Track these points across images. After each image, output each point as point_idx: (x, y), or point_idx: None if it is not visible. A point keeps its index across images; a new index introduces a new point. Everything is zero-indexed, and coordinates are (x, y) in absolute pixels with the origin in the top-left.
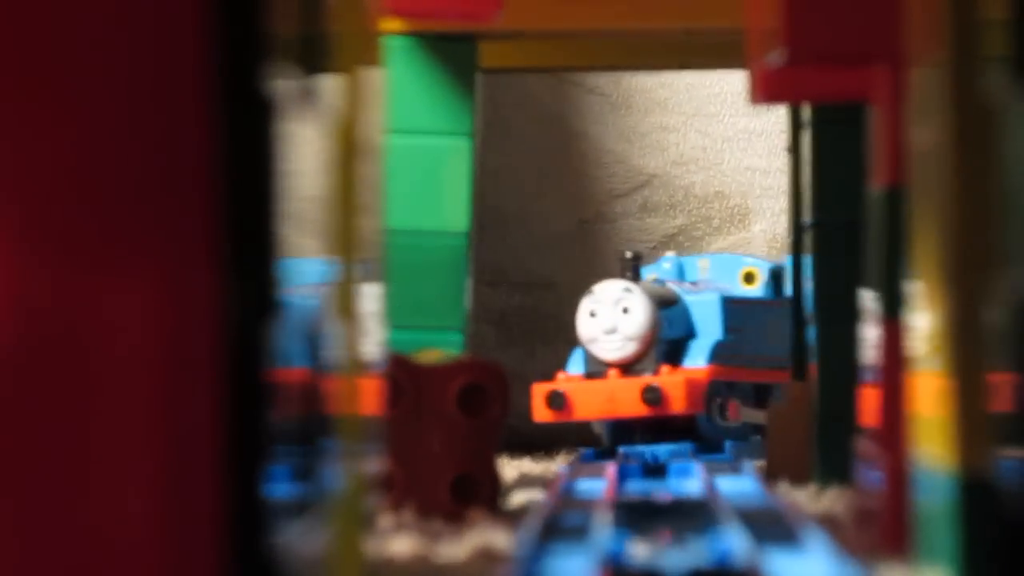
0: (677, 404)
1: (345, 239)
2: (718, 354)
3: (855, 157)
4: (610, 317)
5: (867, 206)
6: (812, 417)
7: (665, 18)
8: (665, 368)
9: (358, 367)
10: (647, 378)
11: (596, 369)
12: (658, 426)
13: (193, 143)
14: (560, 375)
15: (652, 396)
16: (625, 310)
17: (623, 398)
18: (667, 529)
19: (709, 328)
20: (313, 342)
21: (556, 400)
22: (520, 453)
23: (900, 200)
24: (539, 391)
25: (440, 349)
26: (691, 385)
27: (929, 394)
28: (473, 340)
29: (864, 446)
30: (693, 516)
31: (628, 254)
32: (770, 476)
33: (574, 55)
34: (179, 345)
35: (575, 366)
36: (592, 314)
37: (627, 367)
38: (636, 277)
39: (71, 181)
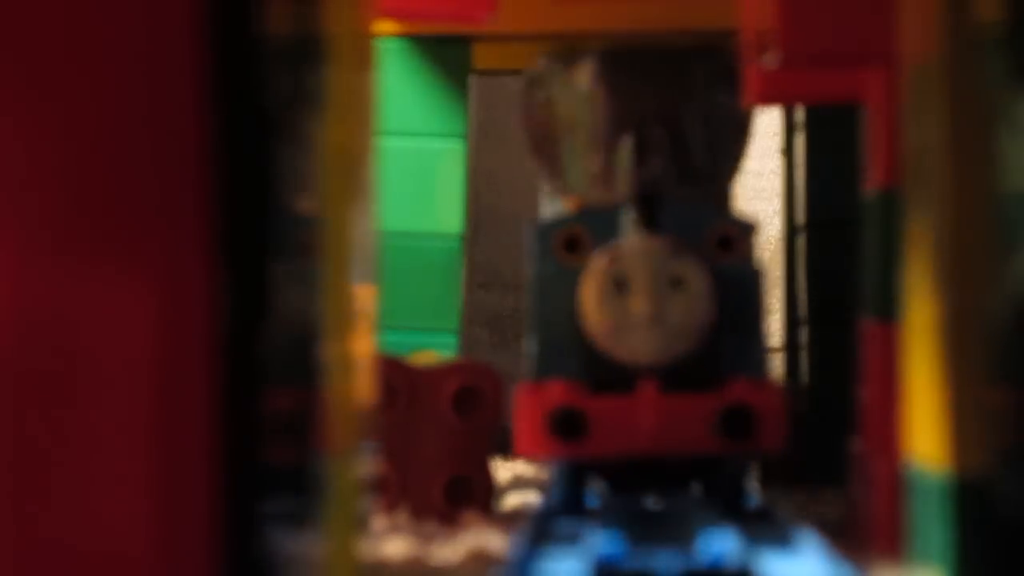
0: (773, 437)
1: (340, 241)
2: None
3: (849, 159)
4: (651, 293)
5: (861, 208)
6: (806, 418)
7: (659, 20)
8: (740, 379)
9: (351, 369)
10: (722, 394)
11: (615, 378)
12: (662, 465)
13: (189, 146)
14: (529, 385)
15: (739, 424)
16: (676, 283)
17: (682, 426)
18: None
19: None
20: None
21: (570, 424)
22: (514, 455)
23: (894, 202)
24: (533, 408)
25: (434, 351)
26: (785, 408)
27: (924, 395)
28: (467, 342)
29: (858, 447)
30: (686, 519)
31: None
32: (764, 478)
33: None
34: (174, 347)
35: (553, 369)
36: (618, 286)
37: (672, 376)
38: (657, 223)
39: (66, 184)
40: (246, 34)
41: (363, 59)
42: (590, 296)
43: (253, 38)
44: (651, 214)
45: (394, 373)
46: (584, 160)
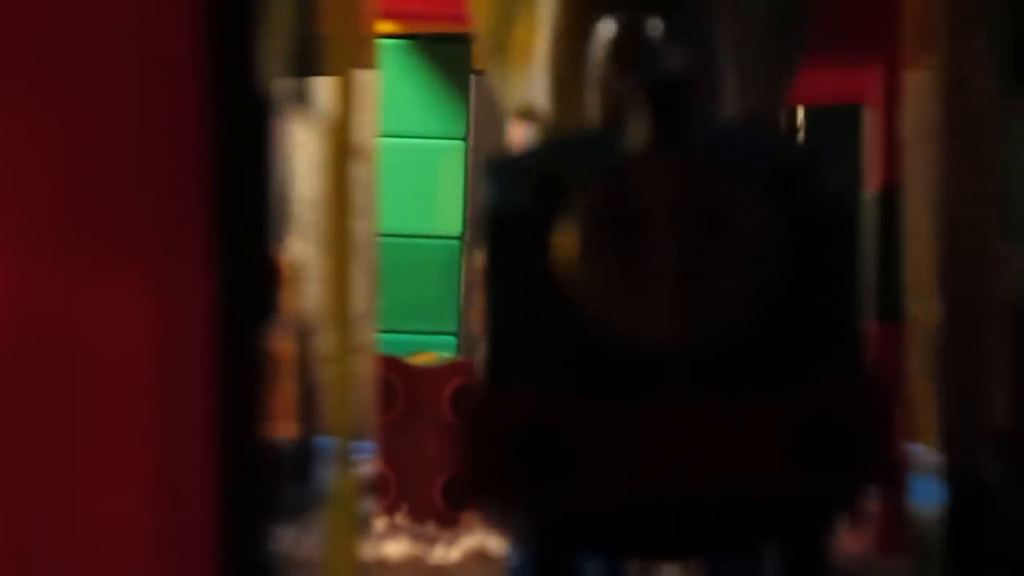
0: (877, 465)
1: (338, 242)
2: None
3: (850, 160)
4: (678, 234)
5: (862, 209)
6: None
7: None
8: (825, 374)
9: (350, 369)
10: (798, 398)
11: (620, 375)
12: (699, 518)
13: (188, 146)
14: (483, 391)
15: (826, 446)
16: (718, 217)
17: (733, 451)
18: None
19: None
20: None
21: (545, 453)
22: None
23: (895, 202)
24: (486, 428)
25: (434, 352)
26: (895, 418)
27: (924, 396)
28: (466, 343)
29: None
30: None
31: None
32: None
33: None
34: (173, 347)
35: (519, 364)
36: (625, 225)
37: (715, 369)
38: (684, 129)
39: (66, 183)
40: (247, 35)
41: (363, 59)
42: (579, 242)
43: (254, 39)
44: (675, 118)
45: (393, 374)
46: (554, 68)
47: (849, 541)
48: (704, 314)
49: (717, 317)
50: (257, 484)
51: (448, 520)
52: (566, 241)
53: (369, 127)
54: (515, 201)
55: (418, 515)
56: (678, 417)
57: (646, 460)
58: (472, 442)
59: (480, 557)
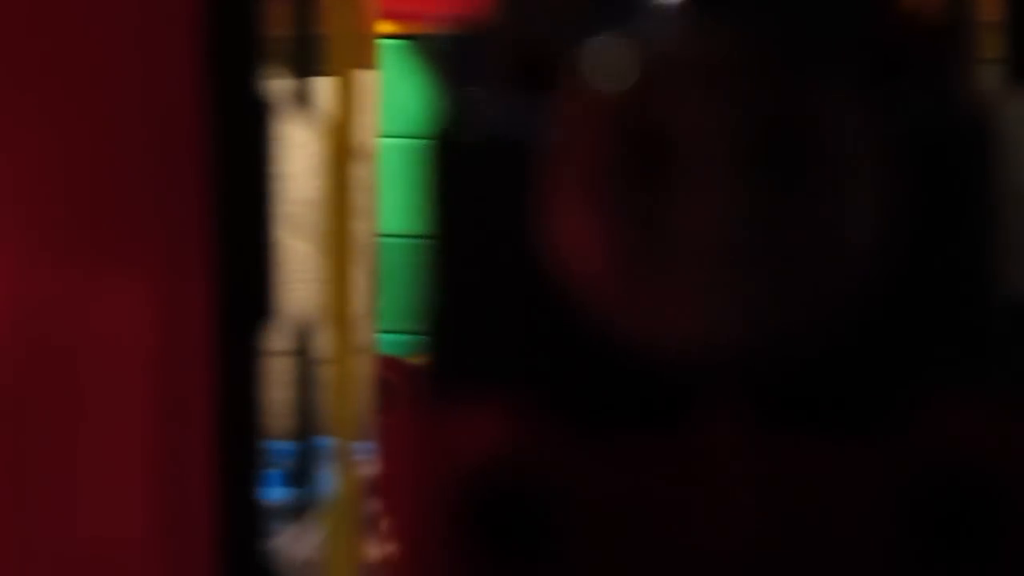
0: None
1: (338, 242)
2: None
3: None
4: (729, 172)
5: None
6: None
7: None
8: (958, 401)
9: (351, 369)
10: (917, 438)
11: (638, 396)
12: None
13: (188, 146)
14: (419, 409)
15: (962, 516)
16: (789, 145)
17: (819, 519)
18: None
19: None
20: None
21: (518, 518)
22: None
23: None
24: (421, 470)
25: None
26: None
27: None
28: None
29: None
30: None
31: None
32: None
33: None
34: (173, 347)
35: (477, 370)
36: (646, 155)
37: (789, 392)
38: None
39: (67, 183)
40: (247, 36)
41: (363, 59)
42: (575, 185)
43: (254, 40)
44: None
45: (393, 374)
46: None
47: None
48: (774, 308)
49: (790, 319)
50: (257, 484)
51: None
52: (551, 184)
53: (369, 127)
54: (480, 106)
55: None
56: (729, 461)
57: (678, 526)
58: (400, 490)
59: None
